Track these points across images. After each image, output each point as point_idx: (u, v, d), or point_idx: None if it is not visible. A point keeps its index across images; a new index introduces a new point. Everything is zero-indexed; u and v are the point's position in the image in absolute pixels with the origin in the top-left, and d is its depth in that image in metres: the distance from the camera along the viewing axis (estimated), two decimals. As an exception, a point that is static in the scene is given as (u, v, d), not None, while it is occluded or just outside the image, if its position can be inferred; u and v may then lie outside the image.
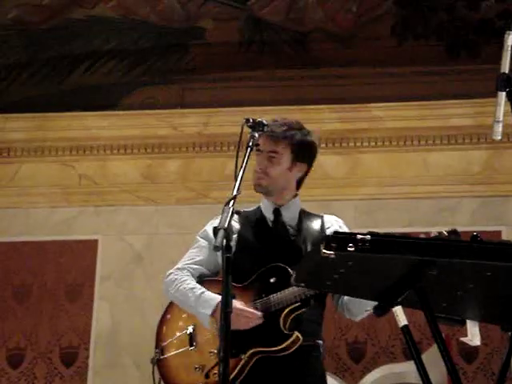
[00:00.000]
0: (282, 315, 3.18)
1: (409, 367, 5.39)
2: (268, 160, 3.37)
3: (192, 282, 3.33)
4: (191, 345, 3.31)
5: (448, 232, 2.88)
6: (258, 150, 3.33)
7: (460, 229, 2.86)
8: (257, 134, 3.02)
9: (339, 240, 2.08)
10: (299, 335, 3.15)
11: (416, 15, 6.57)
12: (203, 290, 3.29)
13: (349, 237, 2.09)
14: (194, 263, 3.43)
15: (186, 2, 6.55)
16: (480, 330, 2.47)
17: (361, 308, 3.23)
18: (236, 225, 3.41)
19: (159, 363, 3.40)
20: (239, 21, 6.65)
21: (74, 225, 6.53)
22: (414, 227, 5.91)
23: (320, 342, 3.33)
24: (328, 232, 3.40)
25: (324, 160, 6.42)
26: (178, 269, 3.42)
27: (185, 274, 3.38)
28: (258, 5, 6.58)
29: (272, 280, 3.24)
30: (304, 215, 3.50)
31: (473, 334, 2.44)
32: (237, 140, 3.03)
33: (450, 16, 6.54)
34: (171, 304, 3.46)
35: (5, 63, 6.79)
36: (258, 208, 3.53)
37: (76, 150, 6.71)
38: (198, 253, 3.46)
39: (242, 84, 6.56)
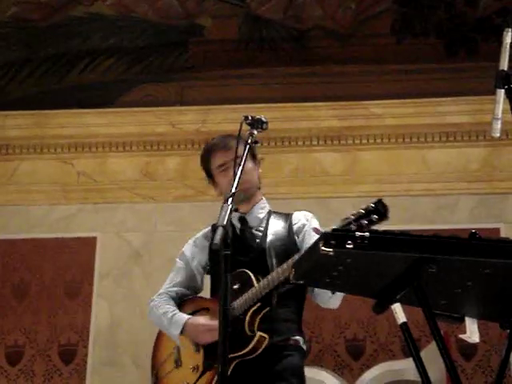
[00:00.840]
0: (247, 318, 3.24)
1: (408, 364, 5.39)
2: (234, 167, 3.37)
3: (166, 306, 3.51)
4: (176, 364, 3.44)
5: (374, 203, 2.88)
6: (222, 166, 3.47)
7: (459, 226, 2.86)
8: (255, 132, 3.01)
9: (338, 237, 2.08)
10: (263, 334, 3.21)
11: (415, 13, 6.57)
12: (175, 312, 3.46)
13: (347, 234, 2.09)
14: (173, 285, 3.60)
15: (184, -1, 6.55)
16: (479, 327, 2.47)
17: (325, 295, 3.31)
18: (206, 242, 3.56)
19: None
20: (238, 18, 6.65)
21: (72, 222, 6.53)
22: (412, 224, 5.91)
23: (296, 338, 3.35)
24: (295, 227, 3.50)
25: (322, 157, 6.43)
26: (159, 294, 3.61)
27: (162, 299, 3.56)
28: (256, 2, 6.58)
29: (236, 286, 3.28)
30: (272, 216, 3.57)
31: (471, 331, 2.44)
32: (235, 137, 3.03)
33: (448, 14, 6.54)
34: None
35: (4, 60, 6.79)
36: (231, 223, 3.55)
37: (75, 148, 6.71)
38: (177, 275, 3.62)
39: (241, 81, 6.55)
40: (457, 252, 2.10)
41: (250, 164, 3.43)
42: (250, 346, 3.20)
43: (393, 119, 6.48)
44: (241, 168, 2.86)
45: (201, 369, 3.33)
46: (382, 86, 6.57)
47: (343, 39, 6.67)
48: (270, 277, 3.21)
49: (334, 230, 2.12)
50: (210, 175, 3.60)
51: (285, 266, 3.15)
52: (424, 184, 6.31)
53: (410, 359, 2.33)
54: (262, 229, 3.51)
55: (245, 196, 3.45)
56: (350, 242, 2.07)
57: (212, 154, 3.56)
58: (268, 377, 3.24)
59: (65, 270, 6.40)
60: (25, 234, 6.51)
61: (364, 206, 2.86)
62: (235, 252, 3.27)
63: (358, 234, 2.08)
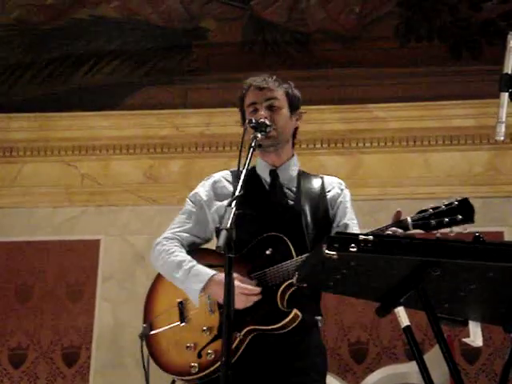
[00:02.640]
0: (279, 291, 2.98)
1: (411, 368, 5.39)
2: (269, 109, 3.21)
3: (181, 254, 3.17)
4: (182, 320, 3.15)
5: (458, 201, 2.81)
6: (254, 104, 3.22)
7: (462, 230, 2.85)
8: (259, 135, 2.98)
9: (342, 240, 2.08)
10: (298, 312, 2.95)
11: (419, 16, 6.56)
12: (193, 263, 3.11)
13: (351, 237, 2.09)
14: (184, 231, 3.27)
15: (188, 2, 6.55)
16: (482, 330, 2.47)
17: None
18: (229, 187, 3.28)
19: (148, 340, 3.24)
20: (242, 21, 6.65)
21: (76, 225, 6.53)
22: (416, 228, 5.90)
23: (318, 317, 3.15)
24: (329, 196, 3.27)
25: (326, 160, 6.43)
26: (167, 238, 3.26)
27: (173, 245, 3.22)
28: (260, 5, 6.58)
29: (268, 252, 3.05)
30: (303, 176, 3.33)
31: (475, 335, 2.44)
32: (239, 140, 3.03)
33: (452, 17, 6.53)
34: (159, 276, 3.30)
35: (8, 63, 6.80)
36: (253, 168, 3.30)
37: (79, 150, 6.72)
38: (188, 219, 3.29)
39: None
40: (460, 255, 2.10)
41: (285, 110, 3.27)
42: (283, 323, 2.94)
43: (396, 122, 6.48)
44: (244, 172, 2.79)
45: (215, 332, 3.04)
46: (386, 89, 6.57)
47: (347, 42, 6.67)
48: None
49: (337, 233, 2.13)
50: (243, 118, 3.32)
51: None
52: (428, 187, 6.30)
53: (414, 363, 2.33)
54: (294, 189, 3.24)
55: (271, 143, 3.20)
56: (353, 245, 2.07)
57: (246, 92, 3.29)
58: (291, 354, 3.03)
59: (68, 272, 6.40)
60: (28, 237, 6.51)
61: (446, 202, 2.78)
62: (264, 209, 3.10)
63: (361, 237, 2.08)
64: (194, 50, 6.80)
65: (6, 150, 6.76)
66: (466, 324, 2.46)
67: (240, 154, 2.87)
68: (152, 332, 3.24)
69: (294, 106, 3.33)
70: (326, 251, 2.06)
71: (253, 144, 2.94)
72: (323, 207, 3.24)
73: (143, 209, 6.53)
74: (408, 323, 2.30)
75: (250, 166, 3.28)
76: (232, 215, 2.54)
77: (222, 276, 2.93)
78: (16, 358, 6.25)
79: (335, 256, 2.06)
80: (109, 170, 6.68)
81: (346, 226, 3.22)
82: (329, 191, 3.30)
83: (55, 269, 6.41)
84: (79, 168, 6.68)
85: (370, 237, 2.08)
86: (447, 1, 6.49)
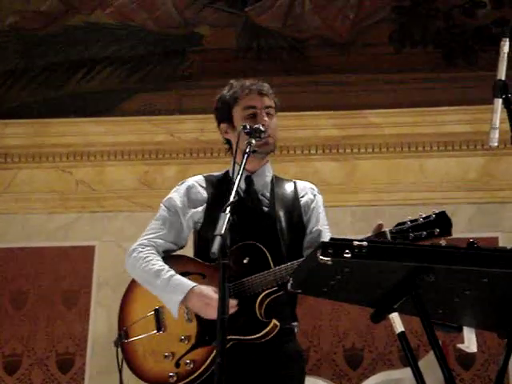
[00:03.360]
0: (258, 300, 2.98)
1: (406, 374, 5.38)
2: (267, 116, 3.22)
3: (158, 262, 3.12)
4: (158, 329, 3.12)
5: (436, 214, 2.81)
6: (253, 108, 3.21)
7: (457, 235, 2.85)
8: (253, 141, 2.97)
9: (336, 246, 2.08)
10: (277, 322, 2.95)
11: (413, 22, 6.58)
12: (172, 272, 3.07)
13: (346, 243, 2.09)
14: (159, 237, 3.21)
15: (183, 8, 6.56)
16: (477, 336, 2.47)
17: None
18: (203, 192, 3.26)
19: (123, 347, 3.20)
20: (236, 27, 6.66)
21: (71, 231, 6.52)
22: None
23: (295, 323, 3.16)
24: (302, 201, 3.27)
25: (321, 166, 6.43)
26: (142, 245, 3.21)
27: (150, 252, 3.17)
28: (255, 11, 6.59)
29: (245, 261, 3.04)
30: (276, 182, 3.31)
31: (469, 341, 2.44)
32: (233, 147, 3.02)
33: (447, 23, 6.55)
34: (133, 282, 3.26)
35: (2, 69, 6.79)
36: (226, 174, 3.33)
37: (73, 156, 6.71)
38: (163, 226, 3.24)
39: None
40: (455, 261, 2.10)
41: (275, 120, 3.26)
42: (263, 333, 2.95)
43: (391, 128, 6.49)
44: (239, 178, 2.79)
45: (192, 341, 3.04)
46: (381, 95, 6.58)
47: (342, 48, 6.68)
48: (289, 264, 2.93)
49: (331, 239, 2.12)
50: (225, 117, 3.31)
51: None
52: (422, 193, 6.31)
53: (408, 369, 2.33)
54: (268, 195, 3.24)
55: (268, 151, 3.21)
56: (347, 251, 2.07)
57: (243, 94, 3.26)
58: (269, 362, 3.03)
59: (63, 278, 6.38)
60: (23, 243, 6.50)
61: (424, 215, 2.78)
62: (239, 216, 3.00)
63: (355, 243, 2.08)
64: (189, 55, 6.81)
65: (1, 156, 6.74)
66: (461, 330, 2.46)
67: (234, 161, 2.87)
68: (127, 340, 3.20)
69: (276, 112, 3.33)
70: (321, 257, 2.06)
71: (247, 150, 2.93)
72: (297, 213, 3.25)
73: (138, 215, 6.51)
74: (402, 329, 2.29)
75: (224, 170, 3.36)
76: (226, 221, 2.53)
77: (202, 288, 3.00)
78: (10, 364, 6.23)
79: (329, 262, 2.06)
80: (103, 176, 6.68)
81: (320, 232, 3.24)
82: (302, 196, 3.30)
83: (50, 275, 6.40)
84: (74, 174, 6.68)
85: (365, 243, 2.08)
86: (441, 7, 6.50)
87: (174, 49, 6.78)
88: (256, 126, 3.05)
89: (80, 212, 6.57)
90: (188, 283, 3.04)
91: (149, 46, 6.76)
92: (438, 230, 2.72)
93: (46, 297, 6.35)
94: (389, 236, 2.87)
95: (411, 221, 2.84)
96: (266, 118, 3.20)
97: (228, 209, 2.59)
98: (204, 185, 3.30)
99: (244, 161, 2.88)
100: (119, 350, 3.21)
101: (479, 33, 6.50)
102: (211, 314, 2.87)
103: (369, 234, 2.96)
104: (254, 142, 2.98)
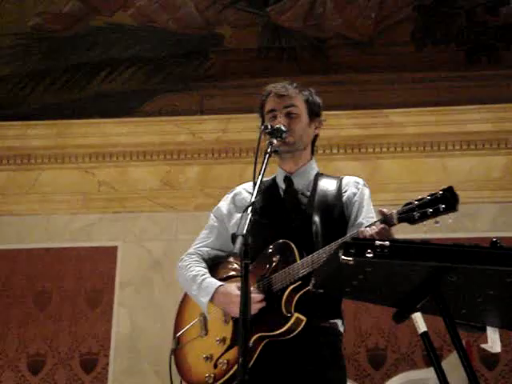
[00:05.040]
0: (285, 296, 2.97)
1: (429, 374, 5.37)
2: (287, 116, 3.22)
3: (196, 269, 3.21)
4: (202, 333, 3.20)
5: (443, 190, 2.75)
6: (273, 111, 3.23)
7: (480, 235, 2.84)
8: (275, 141, 2.97)
9: (358, 246, 2.07)
10: (300, 316, 2.92)
11: (435, 21, 6.55)
12: (205, 276, 3.16)
13: (367, 243, 2.09)
14: (205, 246, 3.32)
15: (204, 9, 6.57)
16: (501, 336, 2.45)
17: None
18: (248, 197, 3.16)
19: (176, 354, 3.28)
20: (258, 27, 6.66)
21: (93, 231, 6.55)
22: (433, 233, 5.87)
23: (336, 321, 3.12)
24: (345, 196, 3.25)
25: (342, 166, 6.42)
26: (189, 254, 3.32)
27: (193, 260, 3.27)
28: (276, 11, 6.58)
29: (275, 259, 3.05)
30: (320, 179, 3.30)
31: (493, 341, 2.42)
32: (255, 146, 3.03)
33: (469, 21, 6.51)
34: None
35: (25, 71, 6.83)
36: (274, 177, 3.36)
37: (95, 157, 6.74)
38: (210, 234, 3.34)
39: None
40: (478, 261, 2.09)
41: (303, 118, 3.27)
42: (286, 327, 2.92)
43: (413, 127, 6.47)
44: (260, 178, 2.79)
45: (228, 342, 3.08)
46: (403, 94, 6.55)
47: (363, 48, 6.66)
48: (315, 255, 2.92)
49: (353, 239, 2.12)
50: (262, 121, 3.32)
51: (333, 245, 2.86)
52: (445, 192, 6.27)
53: (432, 369, 2.31)
54: (308, 194, 3.24)
55: (288, 149, 3.19)
56: (369, 250, 2.06)
57: (266, 99, 3.31)
58: (302, 361, 3.00)
59: (86, 279, 6.42)
60: (46, 243, 6.54)
61: (431, 193, 2.75)
62: (277, 216, 3.12)
63: (377, 242, 2.07)
64: (211, 56, 6.82)
65: (24, 158, 6.79)
66: (484, 330, 2.44)
67: (256, 161, 2.87)
68: (179, 346, 3.28)
69: (313, 113, 3.32)
70: (343, 257, 2.06)
71: (268, 150, 2.93)
72: (337, 209, 3.22)
73: (160, 215, 6.54)
74: (425, 329, 2.28)
75: (273, 175, 3.35)
76: (248, 221, 2.54)
77: (226, 286, 3.06)
78: (35, 364, 6.27)
79: (351, 262, 2.06)
80: (126, 177, 6.70)
81: (361, 225, 3.17)
82: (345, 192, 3.28)
83: (73, 276, 6.43)
84: (96, 175, 6.71)
85: (387, 242, 2.07)
86: (464, 5, 6.46)
87: (196, 49, 6.79)
88: (277, 125, 3.05)
89: (102, 212, 6.60)
90: (215, 283, 3.10)
91: (170, 46, 6.78)
92: (443, 206, 2.67)
93: (70, 297, 6.38)
94: (395, 217, 2.84)
95: (418, 200, 2.80)
96: (280, 119, 3.19)
97: (250, 209, 2.60)
98: (251, 190, 3.22)
99: (265, 160, 2.87)
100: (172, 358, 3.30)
101: (502, 31, 6.46)
102: (236, 311, 2.86)
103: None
104: (275, 141, 2.98)
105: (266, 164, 2.86)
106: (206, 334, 3.18)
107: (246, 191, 3.33)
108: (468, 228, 6.08)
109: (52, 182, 6.72)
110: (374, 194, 6.41)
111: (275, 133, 3.01)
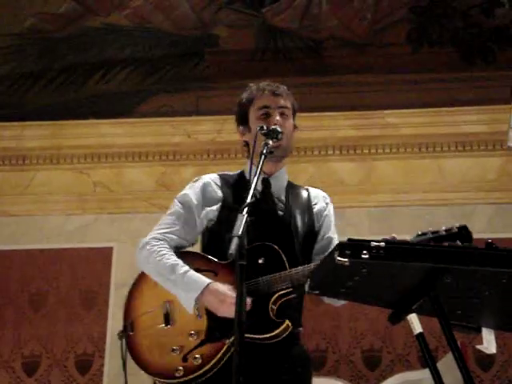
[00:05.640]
0: (271, 300, 2.97)
1: (424, 375, 5.36)
2: (280, 116, 3.21)
3: (173, 257, 3.10)
4: (167, 323, 3.10)
5: (458, 228, 2.79)
6: (266, 108, 3.21)
7: (475, 236, 2.83)
8: (271, 142, 2.94)
9: (353, 247, 2.08)
10: (289, 323, 2.95)
11: (431, 22, 6.56)
12: (186, 267, 3.05)
13: (363, 244, 2.09)
14: (172, 233, 3.21)
15: (200, 9, 6.57)
16: (496, 337, 2.45)
17: None
18: (218, 191, 3.25)
19: (128, 339, 3.22)
20: (253, 28, 6.66)
21: (88, 232, 6.54)
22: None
23: (300, 328, 3.15)
24: (315, 209, 3.27)
25: (338, 167, 6.42)
26: (156, 238, 3.21)
27: (163, 246, 3.16)
28: (272, 12, 6.59)
29: (260, 261, 3.02)
30: (290, 187, 3.31)
31: (488, 342, 2.43)
32: (246, 149, 3.02)
33: (465, 23, 6.52)
34: (142, 275, 3.25)
35: (20, 72, 6.83)
36: (241, 174, 3.34)
37: (91, 158, 6.73)
38: (176, 221, 3.24)
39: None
40: (473, 262, 2.09)
41: (291, 121, 3.26)
42: (275, 332, 2.94)
43: (409, 129, 6.47)
44: (256, 179, 2.77)
45: (202, 337, 3.02)
46: (398, 95, 6.56)
47: (359, 49, 6.66)
48: (306, 266, 2.94)
49: (349, 240, 2.12)
50: (243, 120, 3.31)
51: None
52: (440, 194, 6.29)
53: (427, 370, 2.32)
54: (283, 199, 3.23)
55: (281, 153, 3.16)
56: (365, 251, 2.07)
57: (258, 94, 3.26)
58: (277, 363, 3.02)
59: (81, 280, 6.41)
60: (41, 244, 6.53)
61: (445, 228, 2.76)
62: (255, 217, 2.92)
63: (373, 243, 2.07)
64: (206, 57, 6.81)
65: (19, 158, 6.78)
66: (480, 331, 2.45)
67: (251, 162, 2.86)
68: (132, 332, 3.23)
69: (294, 118, 3.32)
70: (338, 258, 2.06)
71: (264, 151, 2.90)
72: (310, 219, 3.25)
73: (155, 216, 6.43)
74: (421, 330, 2.29)
75: (239, 170, 3.37)
76: (244, 222, 2.52)
77: (218, 285, 2.99)
78: (29, 365, 6.26)
79: (347, 263, 2.06)
80: (121, 178, 6.69)
81: (331, 239, 3.24)
82: (315, 204, 3.30)
83: (68, 277, 6.43)
84: (91, 176, 6.70)
85: (382, 243, 2.08)
86: (459, 6, 6.48)
87: (191, 50, 6.79)
88: (273, 126, 3.03)
89: (98, 213, 6.59)
90: (204, 280, 3.03)
91: (166, 47, 6.78)
92: (459, 243, 2.70)
93: (65, 298, 6.37)
94: None
95: (432, 232, 2.82)
96: (278, 118, 3.19)
97: (245, 210, 2.58)
98: (219, 183, 3.30)
99: (261, 162, 2.85)
100: (124, 342, 3.25)
101: (497, 32, 6.47)
102: (226, 311, 2.88)
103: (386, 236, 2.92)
104: (271, 142, 2.95)
105: (262, 165, 2.85)
106: (173, 325, 3.10)
107: (215, 184, 3.30)
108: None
109: (47, 183, 6.71)
110: (369, 195, 6.47)
111: (271, 134, 2.99)
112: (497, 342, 2.45)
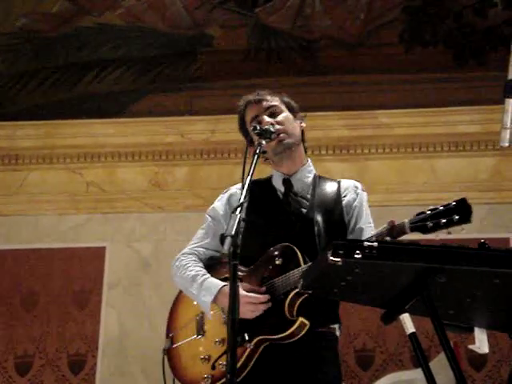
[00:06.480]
0: (288, 300, 2.97)
1: (417, 375, 5.37)
2: (272, 116, 3.24)
3: (195, 268, 3.19)
4: (198, 333, 3.18)
5: (456, 201, 2.76)
6: (255, 118, 3.23)
7: (468, 236, 2.84)
8: (264, 142, 2.96)
9: (346, 247, 2.08)
10: (305, 321, 2.93)
11: (424, 22, 6.57)
12: (206, 276, 3.13)
13: (356, 244, 2.09)
14: (201, 246, 3.29)
15: (193, 9, 6.57)
16: (488, 337, 2.46)
17: None
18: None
19: (169, 353, 3.27)
20: (247, 28, 6.66)
21: (81, 232, 6.54)
22: (421, 234, 5.89)
23: (335, 325, 3.13)
24: (344, 201, 3.24)
25: (331, 167, 6.42)
26: (185, 254, 3.30)
27: (190, 260, 3.25)
28: (265, 12, 6.58)
29: (278, 262, 3.04)
30: (318, 182, 3.31)
31: (481, 342, 2.43)
32: (244, 147, 3.02)
33: (457, 23, 6.53)
34: (182, 291, 3.33)
35: (13, 71, 6.81)
36: (269, 178, 3.36)
37: (84, 158, 6.73)
38: (206, 234, 3.32)
39: (250, 91, 6.57)
40: (466, 262, 2.10)
41: (287, 114, 3.28)
42: (290, 331, 2.93)
43: (402, 129, 6.48)
44: (249, 178, 2.79)
45: (226, 344, 2.88)
46: (391, 95, 6.57)
47: (352, 49, 6.67)
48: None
49: (342, 239, 2.12)
50: (250, 140, 3.28)
51: None
52: (433, 193, 6.29)
53: (420, 369, 2.32)
54: (308, 196, 3.23)
55: (283, 148, 3.19)
56: (358, 251, 2.07)
57: (245, 110, 3.33)
58: (303, 365, 3.01)
59: (74, 279, 6.40)
60: (34, 244, 6.52)
61: (444, 203, 2.75)
62: (276, 219, 3.10)
63: (366, 243, 2.07)
64: (199, 56, 6.81)
65: (12, 158, 6.77)
66: (472, 331, 2.45)
67: (245, 161, 2.87)
68: (173, 346, 3.27)
69: (292, 109, 3.35)
70: (331, 258, 2.06)
71: (257, 151, 2.92)
72: (338, 214, 3.22)
73: (148, 216, 6.53)
74: (413, 330, 2.29)
75: (269, 175, 3.35)
76: (237, 222, 2.53)
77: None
78: (22, 365, 6.25)
79: (340, 263, 2.06)
80: (114, 178, 6.69)
81: (362, 230, 3.19)
82: (344, 196, 3.28)
83: (61, 276, 6.42)
84: (84, 175, 6.69)
85: (375, 243, 2.08)
86: (452, 7, 6.49)
87: (185, 50, 6.78)
88: (266, 127, 3.05)
89: (91, 213, 6.59)
90: (218, 283, 3.08)
91: (159, 47, 6.77)
92: (456, 217, 2.67)
93: (57, 298, 6.36)
94: (407, 226, 2.80)
95: (431, 209, 2.81)
96: (267, 120, 3.20)
97: (238, 210, 2.59)
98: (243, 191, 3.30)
99: (254, 161, 2.85)
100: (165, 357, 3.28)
101: (490, 33, 6.48)
102: (243, 311, 2.87)
103: (377, 231, 2.90)
104: (264, 142, 2.97)
105: (255, 165, 2.85)
106: (204, 335, 3.16)
107: (240, 193, 3.32)
108: (456, 229, 6.08)
109: (40, 183, 6.70)
110: (362, 195, 6.43)
111: (264, 134, 3.00)
112: (489, 342, 2.45)
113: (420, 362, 2.27)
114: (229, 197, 3.35)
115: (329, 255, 2.05)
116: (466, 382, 2.24)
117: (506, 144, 2.61)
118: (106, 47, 6.77)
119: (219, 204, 3.35)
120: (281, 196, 3.24)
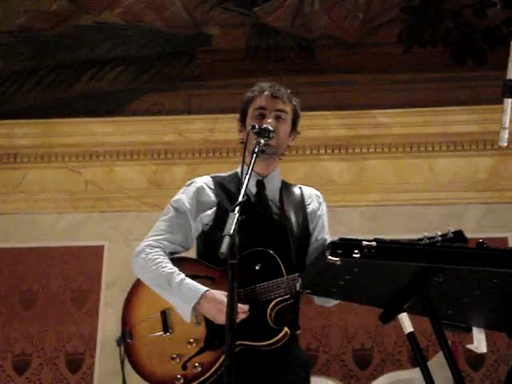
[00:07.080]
0: (269, 307, 2.97)
1: (415, 374, 5.37)
2: (276, 119, 3.21)
3: (168, 265, 3.06)
4: (165, 330, 3.09)
5: (453, 233, 2.81)
6: (262, 109, 3.21)
7: (467, 235, 2.85)
8: (262, 141, 2.94)
9: (345, 246, 2.08)
10: (288, 330, 2.95)
11: (422, 22, 6.57)
12: (182, 276, 3.02)
13: (354, 243, 2.09)
14: (166, 239, 3.17)
15: (192, 8, 6.56)
16: (486, 336, 2.46)
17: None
18: (212, 195, 3.22)
19: (127, 347, 3.17)
20: (245, 27, 6.65)
21: (80, 231, 6.53)
22: (419, 234, 5.89)
23: (298, 331, 3.15)
24: (309, 210, 3.26)
25: (329, 166, 6.43)
26: (150, 246, 3.16)
27: (158, 254, 3.12)
28: (264, 11, 6.58)
29: (257, 267, 3.01)
30: (284, 188, 3.30)
31: (479, 341, 2.43)
32: (242, 146, 3.02)
33: (456, 23, 6.53)
34: (139, 282, 3.22)
35: (12, 70, 6.81)
36: (235, 175, 3.32)
37: (82, 156, 6.72)
38: (170, 227, 3.20)
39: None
40: (464, 261, 2.10)
41: (288, 126, 3.25)
42: (274, 339, 2.94)
43: (400, 128, 6.48)
44: (248, 178, 2.77)
45: (201, 344, 3.01)
46: (390, 94, 6.57)
47: (350, 48, 6.67)
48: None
49: (340, 239, 2.12)
50: (242, 117, 3.29)
51: None
52: (431, 193, 6.30)
53: (418, 369, 2.32)
54: (278, 201, 3.22)
55: (269, 152, 3.10)
56: (356, 251, 2.07)
57: (258, 95, 3.27)
58: (277, 368, 3.01)
59: (72, 278, 6.40)
60: (32, 243, 6.51)
61: (441, 233, 2.78)
62: (247, 222, 2.92)
63: (364, 243, 2.07)
64: (198, 56, 6.81)
65: (10, 157, 6.77)
66: (470, 330, 2.45)
67: (243, 161, 2.87)
68: (131, 340, 3.18)
69: (295, 124, 3.32)
70: (329, 257, 2.06)
71: (256, 149, 2.90)
72: (304, 221, 3.24)
73: (147, 215, 6.52)
74: (411, 329, 2.29)
75: (233, 171, 3.33)
76: (235, 221, 2.51)
77: (214, 293, 2.96)
78: (20, 364, 6.25)
79: (338, 262, 2.06)
80: (112, 176, 6.69)
81: (325, 240, 3.22)
82: (308, 204, 3.29)
83: (59, 275, 6.41)
84: (83, 174, 6.69)
85: (374, 243, 2.08)
86: (451, 6, 6.49)
87: (183, 49, 6.78)
88: (265, 125, 3.02)
89: (89, 212, 6.59)
90: (200, 288, 3.00)
91: (158, 46, 6.77)
92: None
93: (56, 297, 6.36)
94: None
95: (428, 238, 2.83)
96: (270, 120, 3.17)
97: (237, 209, 2.56)
98: (212, 186, 3.27)
99: (252, 161, 2.84)
100: (122, 348, 3.20)
101: (489, 32, 6.48)
102: (223, 319, 2.76)
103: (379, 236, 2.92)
104: (262, 141, 2.95)
105: (254, 164, 2.84)
106: (172, 333, 3.09)
107: (208, 187, 3.27)
108: (454, 229, 6.09)
109: (38, 181, 6.70)
110: (360, 195, 6.47)
111: (263, 132, 2.98)
112: (487, 342, 2.46)
113: (418, 362, 2.28)
114: (196, 191, 3.26)
115: (327, 255, 2.05)
116: (464, 382, 2.24)
117: (505, 144, 2.61)
118: (104, 46, 6.77)
119: (185, 197, 3.27)
120: (252, 197, 3.19)
